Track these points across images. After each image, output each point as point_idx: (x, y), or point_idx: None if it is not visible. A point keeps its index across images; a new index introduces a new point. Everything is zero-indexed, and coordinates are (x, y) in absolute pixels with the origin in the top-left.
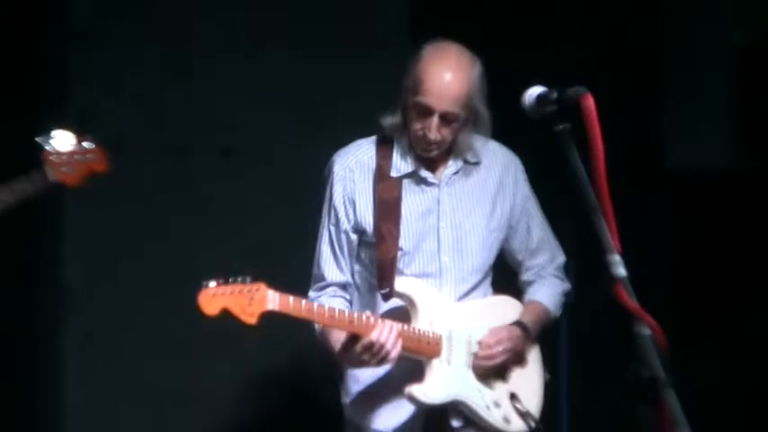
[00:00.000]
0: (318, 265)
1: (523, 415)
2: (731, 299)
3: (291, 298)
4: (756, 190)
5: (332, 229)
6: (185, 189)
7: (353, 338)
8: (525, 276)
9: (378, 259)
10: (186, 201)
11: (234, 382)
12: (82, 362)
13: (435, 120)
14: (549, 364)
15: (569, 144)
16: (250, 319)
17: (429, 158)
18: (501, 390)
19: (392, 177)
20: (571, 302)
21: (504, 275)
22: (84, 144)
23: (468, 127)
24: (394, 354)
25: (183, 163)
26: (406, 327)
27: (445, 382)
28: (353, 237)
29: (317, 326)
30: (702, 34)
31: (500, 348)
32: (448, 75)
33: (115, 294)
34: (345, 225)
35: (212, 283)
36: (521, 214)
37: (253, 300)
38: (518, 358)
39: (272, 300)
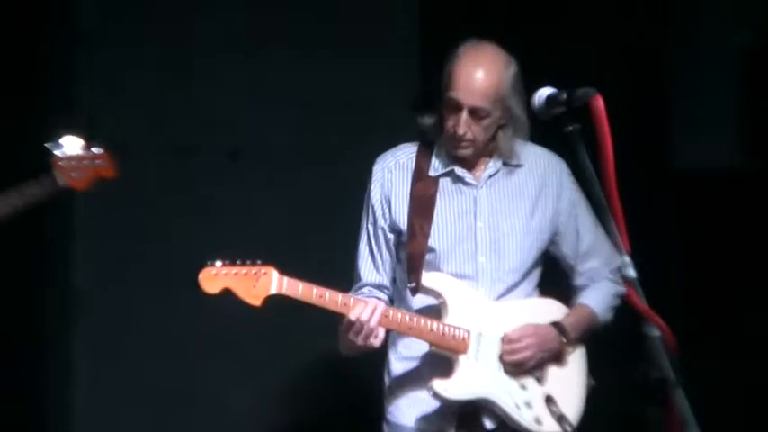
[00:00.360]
0: (356, 266)
1: (559, 418)
2: (736, 299)
3: (301, 283)
4: (762, 190)
5: (370, 229)
6: (190, 190)
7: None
8: (578, 281)
9: (407, 254)
10: (191, 202)
11: (240, 384)
12: (90, 363)
13: (464, 115)
14: None
15: (579, 145)
16: (254, 301)
17: (466, 159)
18: (535, 391)
19: (430, 177)
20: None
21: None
22: (93, 149)
23: (508, 129)
24: (377, 332)
25: (187, 164)
26: (429, 321)
27: (471, 379)
28: (390, 236)
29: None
30: (708, 35)
31: (523, 343)
32: (478, 70)
33: (123, 296)
34: (382, 224)
35: (218, 263)
36: (568, 218)
37: (258, 282)
38: (556, 360)
39: (280, 283)
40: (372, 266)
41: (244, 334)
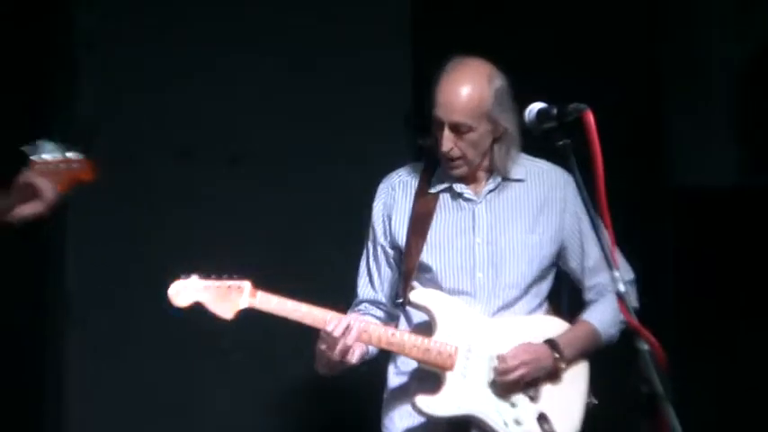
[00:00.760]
0: (356, 282)
1: None
2: (729, 315)
3: (275, 297)
4: (756, 206)
5: (370, 246)
6: (187, 195)
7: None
8: (587, 296)
9: (402, 270)
10: (188, 207)
11: (235, 388)
12: (85, 369)
13: (446, 131)
14: None
15: (570, 160)
16: (226, 314)
17: (466, 176)
18: (526, 408)
19: (430, 193)
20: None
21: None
22: (70, 154)
23: (502, 143)
24: (353, 349)
25: (184, 169)
26: (413, 337)
27: (457, 395)
28: (391, 252)
29: None
30: (706, 49)
31: (515, 363)
32: (457, 86)
33: (119, 301)
34: (382, 241)
35: (193, 276)
36: (572, 233)
37: (231, 295)
38: (550, 377)
39: (253, 297)
40: (369, 283)
41: (242, 339)
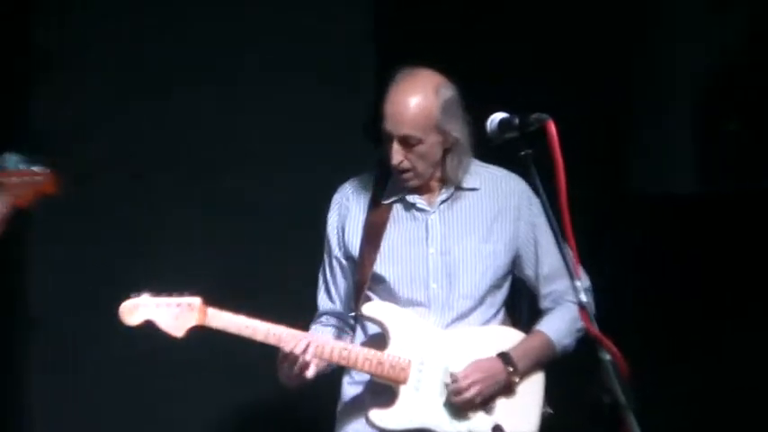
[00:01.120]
0: (316, 294)
1: None
2: (691, 324)
3: (226, 314)
4: (721, 214)
5: (326, 258)
6: (148, 212)
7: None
8: (543, 304)
9: (354, 282)
10: (150, 224)
11: (200, 402)
12: (47, 380)
13: (395, 144)
14: None
15: (531, 170)
16: (177, 332)
17: (419, 187)
18: (481, 421)
19: (383, 204)
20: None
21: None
22: (34, 167)
23: (454, 153)
24: (310, 366)
25: (142, 189)
26: (366, 352)
27: (410, 409)
28: (345, 263)
29: None
30: (670, 59)
31: (467, 382)
32: (404, 99)
33: (79, 319)
34: (337, 252)
35: (144, 295)
36: (527, 241)
37: (181, 313)
38: (504, 390)
39: (203, 314)
40: (326, 295)
41: (204, 352)
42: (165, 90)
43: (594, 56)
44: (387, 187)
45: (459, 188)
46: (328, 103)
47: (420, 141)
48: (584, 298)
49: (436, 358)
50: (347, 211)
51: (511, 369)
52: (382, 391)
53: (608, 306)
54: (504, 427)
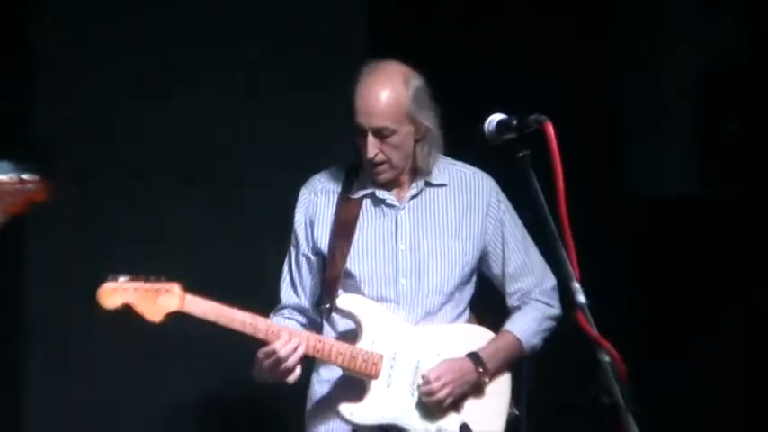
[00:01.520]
0: (279, 287)
1: None
2: (688, 325)
3: (204, 301)
4: (719, 216)
5: (292, 251)
6: (143, 215)
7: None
8: (510, 302)
9: (326, 277)
10: (144, 227)
11: (196, 403)
12: (44, 386)
13: (369, 137)
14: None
15: (529, 171)
16: (154, 317)
17: (390, 182)
18: (450, 419)
19: (353, 199)
20: None
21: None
22: (25, 175)
23: (425, 143)
24: (296, 370)
25: (140, 189)
26: (339, 345)
27: (380, 404)
28: (313, 258)
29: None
30: (665, 60)
31: (439, 383)
32: (374, 91)
33: (77, 321)
34: (304, 248)
35: (120, 277)
36: (494, 238)
37: (159, 298)
38: (473, 389)
39: (181, 300)
40: (291, 289)
41: (198, 351)
42: (165, 90)
43: (594, 56)
44: (356, 182)
45: (428, 184)
46: (329, 104)
47: (394, 132)
48: (582, 299)
49: (408, 354)
50: (315, 206)
51: (481, 370)
52: (352, 387)
53: (606, 307)
54: (472, 426)
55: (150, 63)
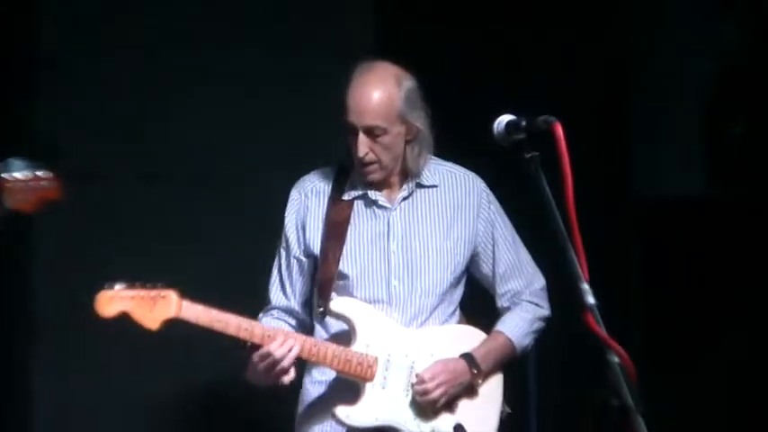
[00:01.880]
0: (268, 288)
1: None
2: (698, 326)
3: (200, 307)
4: (726, 216)
5: (283, 253)
6: (153, 217)
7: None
8: (500, 303)
9: (318, 279)
10: (154, 228)
11: (199, 405)
12: (50, 386)
13: (360, 136)
14: (515, 393)
15: (538, 172)
16: (151, 324)
17: (380, 182)
18: (444, 419)
19: (344, 200)
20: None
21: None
22: (39, 172)
23: (415, 144)
24: (291, 371)
25: (150, 191)
26: (333, 348)
27: (375, 406)
28: (304, 261)
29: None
30: (674, 60)
31: (434, 383)
32: (366, 90)
33: (85, 324)
34: (295, 250)
35: (117, 285)
36: (484, 239)
37: (156, 305)
38: (467, 390)
39: (178, 307)
40: (281, 290)
41: (200, 352)
42: (165, 91)
43: (601, 58)
44: (347, 183)
45: (419, 185)
46: (329, 104)
47: (385, 132)
48: (591, 300)
49: (402, 356)
50: (306, 208)
51: (475, 371)
52: (345, 388)
53: (613, 310)
54: (466, 426)
55: (151, 63)
